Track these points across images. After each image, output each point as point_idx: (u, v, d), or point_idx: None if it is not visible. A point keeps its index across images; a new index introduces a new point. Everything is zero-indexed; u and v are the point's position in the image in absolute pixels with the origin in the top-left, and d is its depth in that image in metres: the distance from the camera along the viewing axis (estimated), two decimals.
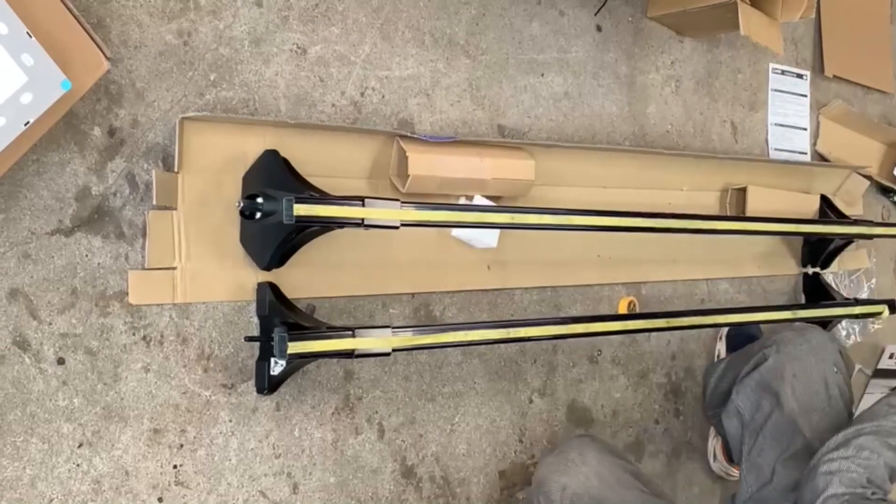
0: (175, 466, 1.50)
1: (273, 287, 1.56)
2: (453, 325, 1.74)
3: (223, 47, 1.56)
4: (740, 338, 2.27)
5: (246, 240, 1.55)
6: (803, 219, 2.43)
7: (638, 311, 2.18)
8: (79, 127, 1.41)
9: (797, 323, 2.18)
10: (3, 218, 1.34)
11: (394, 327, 1.58)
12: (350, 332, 1.52)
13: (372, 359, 1.68)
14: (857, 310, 2.44)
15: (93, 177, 1.43)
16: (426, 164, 1.68)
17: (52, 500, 1.39)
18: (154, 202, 1.47)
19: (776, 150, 2.61)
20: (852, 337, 2.74)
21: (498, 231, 1.85)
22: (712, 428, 2.27)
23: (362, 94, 1.72)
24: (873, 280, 2.84)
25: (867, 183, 2.75)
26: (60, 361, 1.40)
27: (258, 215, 1.48)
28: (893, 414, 1.63)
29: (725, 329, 2.34)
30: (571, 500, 1.66)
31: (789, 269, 2.61)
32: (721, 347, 2.34)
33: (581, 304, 2.09)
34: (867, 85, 2.89)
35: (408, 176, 1.66)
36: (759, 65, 2.58)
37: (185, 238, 1.50)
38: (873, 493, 1.51)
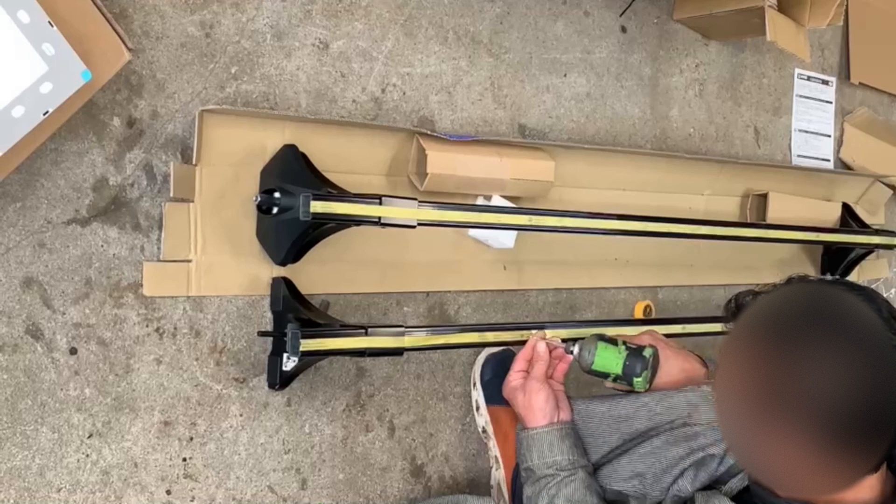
0: (184, 459, 1.50)
1: (288, 282, 1.55)
2: (467, 326, 1.73)
3: (245, 40, 1.55)
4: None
5: (262, 234, 1.54)
6: (824, 227, 2.40)
7: (654, 315, 2.16)
8: (98, 117, 1.41)
9: None
10: (19, 206, 1.34)
11: (407, 327, 1.57)
12: (363, 331, 1.52)
13: (384, 357, 1.67)
14: None
15: (110, 167, 1.42)
16: (445, 163, 1.67)
17: (60, 490, 1.39)
18: (171, 194, 1.47)
19: (799, 156, 2.59)
20: None
21: (515, 232, 1.84)
22: None
23: (383, 91, 1.71)
24: (892, 290, 2.82)
25: (890, 192, 2.72)
26: (73, 351, 1.39)
27: (275, 210, 1.48)
28: None
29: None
30: None
31: None
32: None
33: (597, 306, 2.07)
34: (893, 93, 2.87)
35: (426, 174, 1.65)
36: (784, 70, 2.56)
37: (201, 231, 1.50)
38: None
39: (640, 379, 1.53)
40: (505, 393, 1.59)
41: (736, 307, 1.32)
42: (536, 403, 1.52)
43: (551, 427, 1.50)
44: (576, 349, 1.57)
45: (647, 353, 1.54)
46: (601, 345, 1.55)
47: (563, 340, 1.61)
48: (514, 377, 1.57)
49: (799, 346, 0.98)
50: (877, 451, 1.01)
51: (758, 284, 1.19)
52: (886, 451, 1.03)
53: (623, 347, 1.55)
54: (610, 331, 1.73)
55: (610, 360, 1.54)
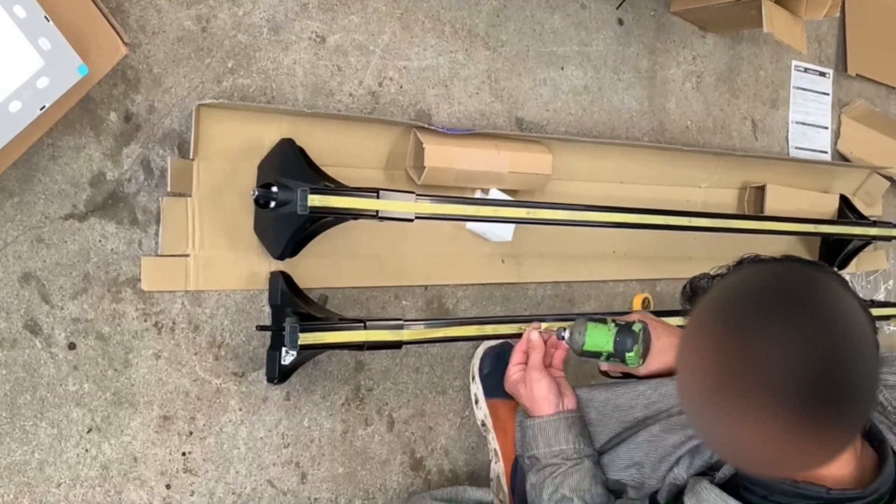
0: (184, 454, 1.50)
1: (286, 276, 1.55)
2: (465, 319, 1.73)
3: (242, 34, 1.55)
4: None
5: (260, 229, 1.54)
6: (822, 219, 2.40)
7: (652, 308, 2.16)
8: (95, 112, 1.41)
9: None
10: (17, 202, 1.34)
11: (405, 320, 1.57)
12: (362, 325, 1.51)
13: (383, 351, 1.67)
14: (874, 312, 2.40)
15: (108, 162, 1.42)
16: (443, 156, 1.67)
17: (59, 485, 1.39)
18: (169, 189, 1.47)
19: (796, 148, 2.59)
20: None
21: (513, 225, 1.84)
22: None
23: (380, 84, 1.71)
24: (890, 282, 2.82)
25: (887, 184, 2.72)
26: (71, 346, 1.39)
27: (273, 204, 1.47)
28: None
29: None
30: None
31: None
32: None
33: (595, 299, 2.07)
34: (890, 84, 2.86)
35: (424, 167, 1.65)
36: (781, 62, 2.56)
37: (198, 225, 1.50)
38: None
39: (631, 354, 1.52)
40: (507, 387, 1.59)
41: (691, 291, 1.31)
42: (539, 393, 1.52)
43: (558, 416, 1.51)
44: (567, 333, 1.57)
45: (636, 327, 1.53)
46: (590, 325, 1.54)
47: (555, 321, 1.62)
48: (513, 370, 1.57)
49: (758, 326, 0.97)
50: (848, 423, 1.00)
51: (712, 268, 1.19)
52: (858, 424, 1.03)
53: (612, 325, 1.54)
54: None
55: (600, 338, 1.53)
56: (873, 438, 1.17)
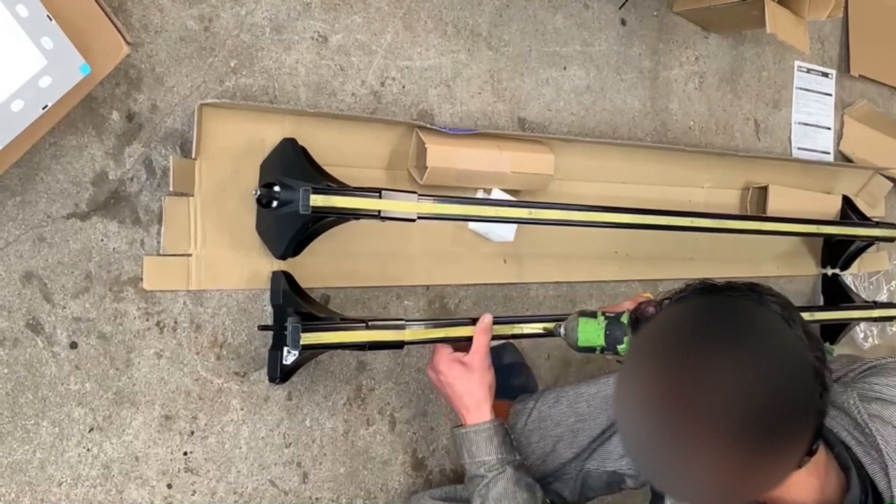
0: (185, 453, 1.50)
1: (287, 276, 1.55)
2: (466, 319, 1.73)
3: (244, 34, 1.55)
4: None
5: (262, 228, 1.54)
6: (824, 220, 2.40)
7: None
8: (97, 111, 1.40)
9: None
10: (19, 201, 1.34)
11: (407, 320, 1.57)
12: (363, 324, 1.51)
13: (385, 351, 1.67)
14: (876, 313, 2.42)
15: (110, 161, 1.42)
16: (445, 156, 1.67)
17: (61, 484, 1.39)
18: (171, 188, 1.47)
19: (799, 148, 2.58)
20: (870, 339, 2.72)
21: (515, 225, 1.84)
22: None
23: (382, 84, 1.71)
24: (893, 282, 2.81)
25: (890, 184, 2.72)
26: (73, 345, 1.39)
27: (275, 204, 1.47)
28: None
29: None
30: None
31: (808, 269, 2.58)
32: None
33: (597, 299, 2.07)
34: (893, 85, 2.86)
35: (426, 167, 1.65)
36: (784, 62, 2.55)
37: (200, 225, 1.50)
38: None
39: (623, 346, 1.50)
40: (440, 375, 1.53)
41: (635, 321, 1.30)
42: (479, 395, 1.49)
43: (478, 426, 1.48)
44: (562, 330, 1.56)
45: (625, 318, 1.52)
46: (581, 320, 1.53)
47: (553, 321, 1.61)
48: (448, 359, 1.53)
49: (687, 367, 0.97)
50: (794, 445, 0.99)
51: (660, 292, 1.17)
52: (798, 447, 1.01)
53: (602, 318, 1.52)
54: None
55: (592, 333, 1.52)
56: (841, 463, 1.15)
